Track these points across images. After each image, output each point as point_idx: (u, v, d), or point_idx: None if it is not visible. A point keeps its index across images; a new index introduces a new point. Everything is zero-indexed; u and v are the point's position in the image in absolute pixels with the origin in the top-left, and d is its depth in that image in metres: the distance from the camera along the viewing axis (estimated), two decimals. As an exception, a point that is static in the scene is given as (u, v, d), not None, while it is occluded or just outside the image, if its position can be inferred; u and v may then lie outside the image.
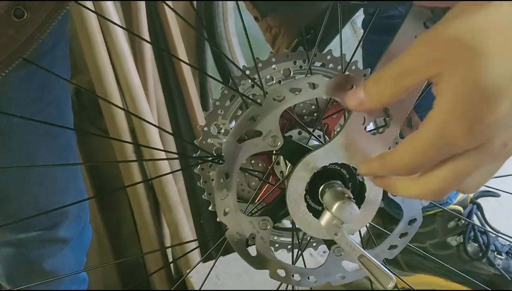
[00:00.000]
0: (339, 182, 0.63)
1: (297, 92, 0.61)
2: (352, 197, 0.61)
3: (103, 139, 1.76)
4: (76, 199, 0.95)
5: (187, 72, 1.80)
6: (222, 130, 0.73)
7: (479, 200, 1.19)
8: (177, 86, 1.81)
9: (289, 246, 0.84)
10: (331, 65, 0.74)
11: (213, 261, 0.86)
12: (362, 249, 0.63)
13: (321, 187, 0.63)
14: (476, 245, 1.17)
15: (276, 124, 0.62)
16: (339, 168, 0.64)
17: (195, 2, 1.95)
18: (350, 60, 0.73)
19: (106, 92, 1.60)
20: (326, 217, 0.60)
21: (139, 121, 1.63)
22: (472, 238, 1.17)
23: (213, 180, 0.77)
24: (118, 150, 1.67)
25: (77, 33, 1.59)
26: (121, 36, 1.63)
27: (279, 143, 0.63)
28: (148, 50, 1.72)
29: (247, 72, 0.71)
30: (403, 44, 0.58)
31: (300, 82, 0.61)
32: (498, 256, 1.19)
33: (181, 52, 1.78)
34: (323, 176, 0.63)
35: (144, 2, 1.70)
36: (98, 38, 1.59)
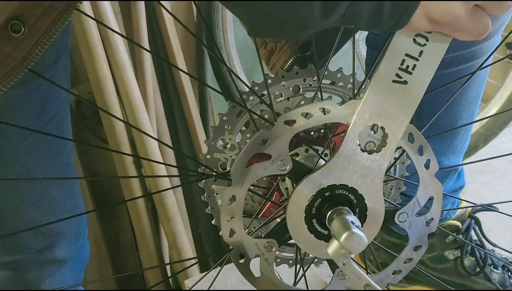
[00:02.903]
0: (347, 208, 0.63)
1: (308, 117, 0.62)
2: (361, 225, 0.61)
3: (102, 150, 1.76)
4: (74, 218, 0.92)
5: (186, 83, 1.80)
6: (229, 145, 0.73)
7: (477, 214, 1.19)
8: (177, 97, 1.82)
9: (291, 261, 0.85)
10: (341, 84, 0.74)
11: (211, 271, 0.86)
12: (368, 278, 0.63)
13: (329, 213, 0.63)
14: (473, 259, 1.17)
15: (286, 148, 0.62)
16: (347, 193, 0.64)
17: (198, 4, 1.96)
18: (364, 81, 0.73)
19: (106, 102, 1.61)
20: (333, 245, 0.60)
21: (138, 132, 1.63)
22: (469, 252, 1.18)
23: (216, 194, 0.77)
24: (117, 160, 1.68)
25: (78, 44, 1.60)
26: (121, 48, 1.64)
27: (288, 167, 0.63)
28: (148, 61, 1.73)
29: (256, 88, 0.71)
30: (392, 64, 0.58)
31: (311, 106, 0.62)
32: (495, 270, 1.19)
33: (181, 64, 1.79)
34: (331, 201, 0.64)
35: (144, 13, 1.70)
36: (99, 49, 1.59)
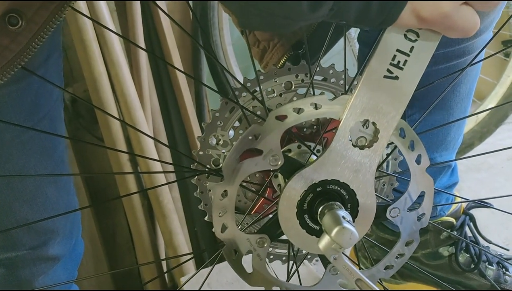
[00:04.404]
0: (338, 203, 0.63)
1: (299, 112, 0.62)
2: (352, 221, 0.61)
3: (99, 148, 1.76)
4: (68, 216, 0.92)
5: (182, 81, 1.80)
6: (221, 142, 0.73)
7: (473, 211, 1.20)
8: (172, 94, 1.82)
9: (284, 258, 0.85)
10: (333, 80, 0.74)
11: (206, 269, 0.86)
12: (360, 273, 0.64)
13: (320, 208, 0.63)
14: (468, 255, 1.17)
15: (277, 143, 0.62)
16: (338, 188, 0.64)
17: (193, 7, 1.96)
18: (355, 77, 0.73)
19: (101, 101, 1.61)
20: (325, 240, 0.60)
21: (133, 131, 1.63)
22: (464, 248, 1.18)
23: (209, 190, 0.77)
24: (113, 158, 1.68)
25: (74, 42, 1.60)
26: (117, 46, 1.64)
27: (279, 163, 0.63)
28: (143, 59, 1.73)
29: (248, 84, 0.71)
30: (383, 60, 0.59)
31: (303, 102, 0.62)
32: (489, 266, 1.19)
33: (177, 62, 1.79)
34: (322, 196, 0.64)
35: (140, 11, 1.70)
36: (94, 47, 1.60)
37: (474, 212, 1.19)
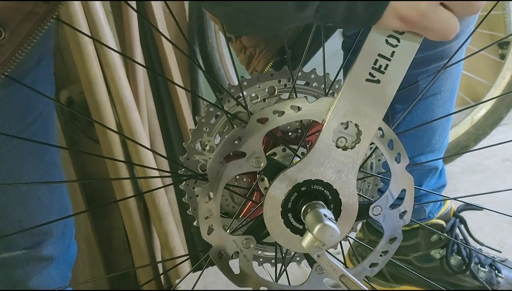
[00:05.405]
0: (321, 202, 0.65)
1: (280, 115, 0.63)
2: (334, 218, 0.63)
3: (95, 150, 1.77)
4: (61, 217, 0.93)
5: (178, 83, 1.81)
6: (207, 147, 0.75)
7: (467, 213, 1.20)
8: (168, 96, 1.83)
9: (273, 261, 0.86)
10: (315, 84, 0.76)
11: (201, 271, 0.87)
12: (343, 269, 0.65)
13: (304, 207, 0.64)
14: (460, 257, 1.18)
15: (259, 145, 0.64)
16: (322, 189, 0.65)
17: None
18: (334, 80, 0.75)
19: (97, 102, 1.61)
20: (307, 238, 0.61)
21: (129, 133, 1.64)
22: (455, 250, 1.19)
23: (197, 196, 0.78)
24: (109, 161, 1.68)
25: (69, 44, 1.60)
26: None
27: (262, 165, 0.65)
28: (139, 61, 1.73)
29: (232, 90, 0.73)
30: (366, 63, 0.60)
31: (283, 104, 0.64)
32: (482, 268, 1.20)
33: (173, 63, 1.80)
34: (306, 196, 0.65)
35: (136, 14, 1.71)
36: (90, 49, 1.60)
37: (469, 213, 1.20)
